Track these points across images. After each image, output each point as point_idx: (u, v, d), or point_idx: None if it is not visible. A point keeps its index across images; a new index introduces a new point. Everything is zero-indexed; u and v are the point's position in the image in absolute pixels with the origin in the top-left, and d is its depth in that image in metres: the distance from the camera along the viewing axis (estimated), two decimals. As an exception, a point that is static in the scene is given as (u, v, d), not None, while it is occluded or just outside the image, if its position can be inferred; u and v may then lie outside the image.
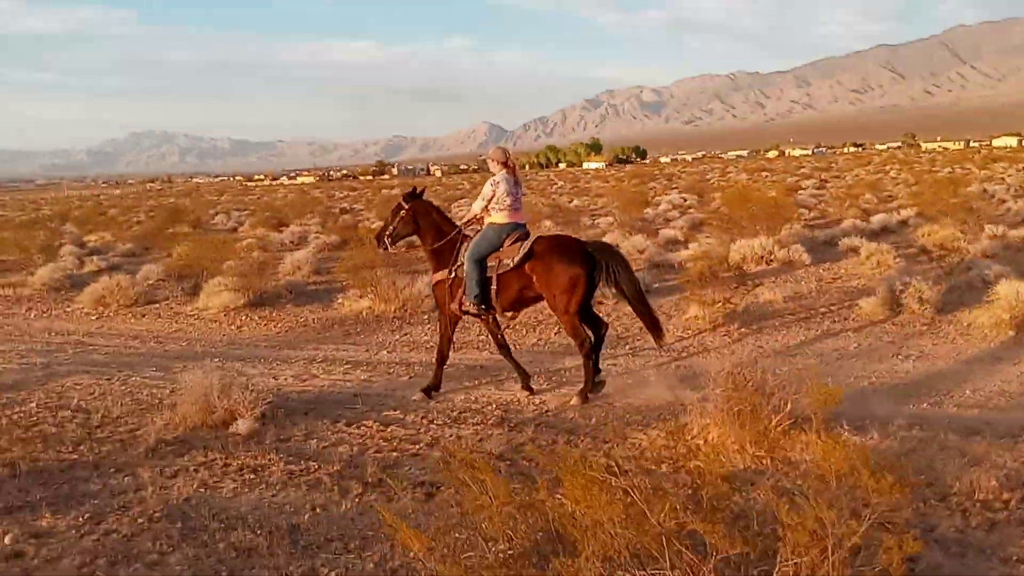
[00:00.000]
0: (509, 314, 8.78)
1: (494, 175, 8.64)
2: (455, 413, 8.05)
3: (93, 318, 14.77)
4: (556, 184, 74.32)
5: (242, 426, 7.45)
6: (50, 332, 13.77)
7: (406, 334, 12.30)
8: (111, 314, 14.98)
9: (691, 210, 31.72)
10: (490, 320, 8.89)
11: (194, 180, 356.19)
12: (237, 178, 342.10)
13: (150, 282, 17.02)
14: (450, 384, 9.09)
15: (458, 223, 9.06)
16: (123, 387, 9.59)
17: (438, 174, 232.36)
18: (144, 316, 14.66)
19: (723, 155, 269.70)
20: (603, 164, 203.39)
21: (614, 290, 8.52)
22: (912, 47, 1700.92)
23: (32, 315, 15.42)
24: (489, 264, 8.39)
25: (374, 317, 13.36)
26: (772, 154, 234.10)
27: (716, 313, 11.61)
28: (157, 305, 15.37)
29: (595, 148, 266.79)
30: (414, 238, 9.54)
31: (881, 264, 15.32)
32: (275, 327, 13.39)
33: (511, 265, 8.30)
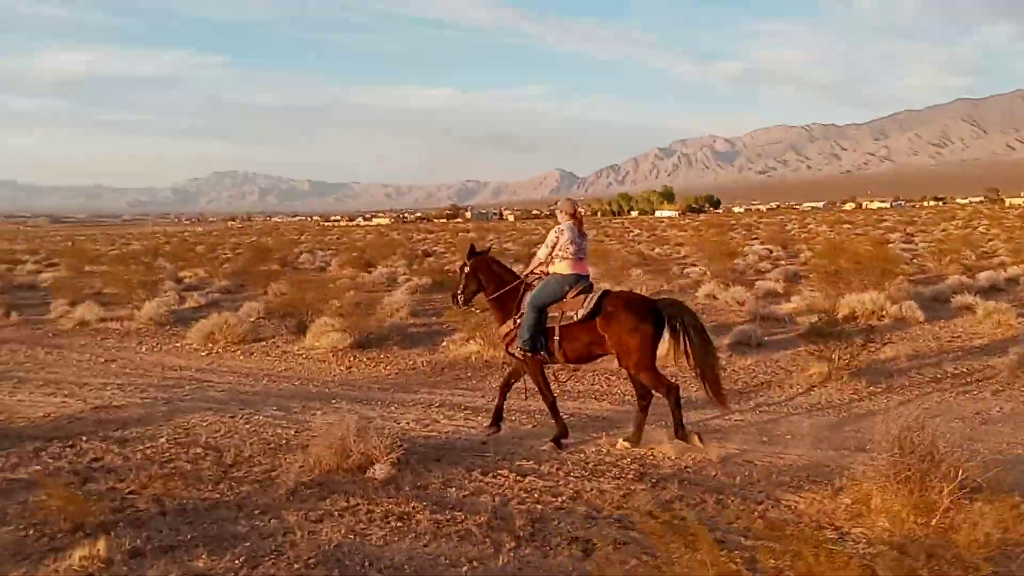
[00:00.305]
0: (573, 366, 8.85)
1: (560, 223, 8.73)
2: (590, 465, 7.85)
3: (203, 354, 14.97)
4: (633, 232, 74.19)
5: (379, 471, 7.36)
6: (162, 367, 13.98)
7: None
8: (219, 351, 15.16)
9: (781, 262, 31.21)
10: (538, 368, 8.75)
11: (273, 219, 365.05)
12: (315, 218, 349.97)
13: (252, 320, 17.26)
14: (576, 434, 8.92)
15: (520, 275, 9.11)
16: (247, 426, 9.62)
17: (511, 219, 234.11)
18: (252, 354, 14.79)
19: (798, 206, 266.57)
20: (676, 213, 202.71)
21: (684, 346, 8.27)
22: (993, 101, 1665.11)
23: (143, 349, 15.70)
24: (552, 314, 8.44)
25: (483, 362, 13.28)
26: (849, 206, 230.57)
27: (840, 370, 11.23)
28: (264, 343, 15.52)
29: (668, 196, 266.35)
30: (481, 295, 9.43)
31: (1002, 324, 14.76)
32: (384, 369, 13.38)
33: (575, 319, 8.31)
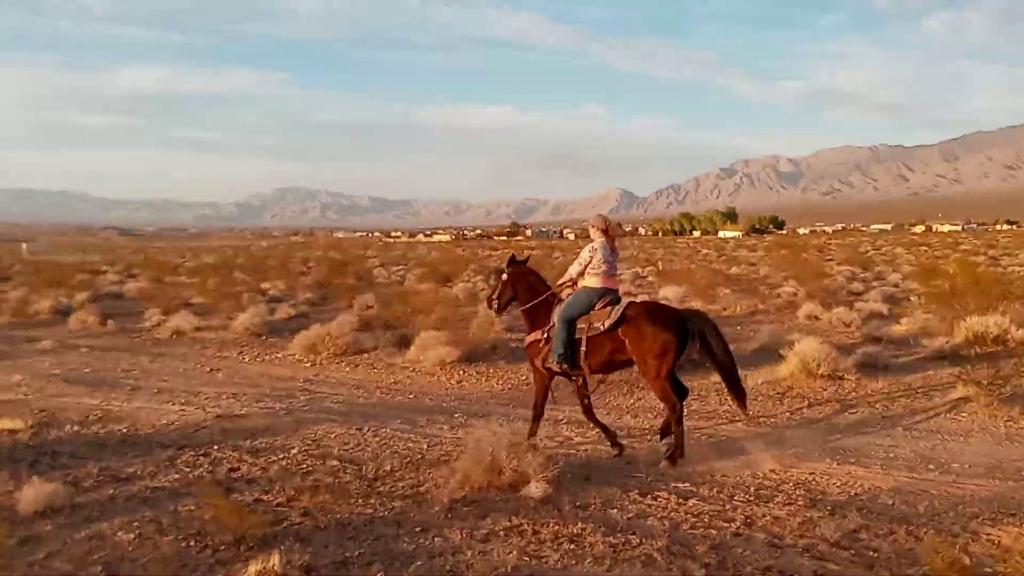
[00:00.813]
0: (598, 376, 8.98)
1: (593, 241, 8.93)
2: (752, 489, 7.42)
3: (307, 365, 14.84)
4: (702, 251, 73.22)
5: (534, 490, 7.03)
6: (269, 377, 13.85)
7: (640, 398, 11.74)
8: (323, 362, 15.02)
9: (873, 283, 30.30)
10: (579, 381, 9.03)
11: (334, 234, 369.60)
12: (376, 234, 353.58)
13: (348, 332, 17.11)
14: (712, 457, 8.50)
15: (554, 287, 9.25)
16: (376, 438, 9.38)
17: (571, 237, 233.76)
18: (358, 366, 14.59)
19: (865, 228, 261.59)
20: (739, 233, 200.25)
21: (706, 357, 8.52)
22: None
23: (245, 359, 15.63)
24: (580, 327, 8.55)
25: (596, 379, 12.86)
26: (919, 229, 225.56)
27: (989, 395, 10.60)
28: (367, 355, 15.33)
29: (730, 217, 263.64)
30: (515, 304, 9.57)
31: None
32: (496, 384, 13.05)
33: (602, 328, 8.44)
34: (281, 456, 8.58)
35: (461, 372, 13.73)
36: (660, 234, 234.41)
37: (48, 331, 19.94)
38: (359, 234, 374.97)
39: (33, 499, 6.79)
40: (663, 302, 9.77)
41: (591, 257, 8.75)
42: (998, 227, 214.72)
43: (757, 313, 21.59)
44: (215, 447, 8.93)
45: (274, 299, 26.30)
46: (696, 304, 22.13)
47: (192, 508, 6.83)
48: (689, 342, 8.28)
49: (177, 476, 7.87)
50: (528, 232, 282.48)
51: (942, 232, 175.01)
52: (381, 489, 7.38)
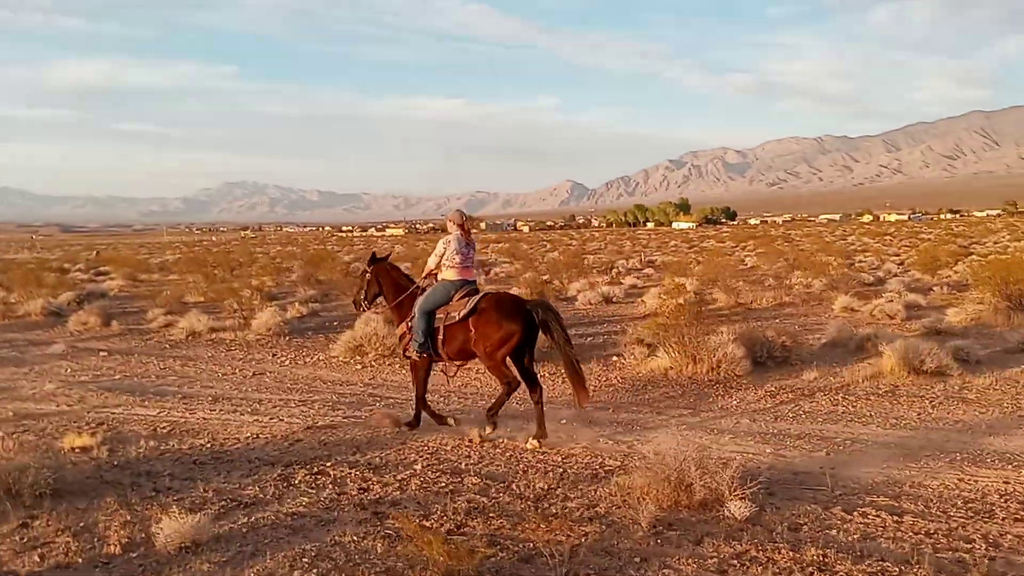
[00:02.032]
0: (457, 363, 9.55)
1: (450, 233, 9.41)
2: (958, 503, 6.75)
3: (356, 367, 13.95)
4: (671, 242, 72.93)
5: (736, 509, 6.29)
6: (324, 382, 12.94)
7: (761, 399, 11.06)
8: (370, 363, 14.14)
9: (890, 275, 29.87)
10: (423, 367, 9.50)
11: (284, 229, 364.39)
12: (327, 228, 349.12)
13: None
14: (889, 464, 7.85)
15: (416, 280, 9.84)
16: (497, 450, 8.56)
17: (525, 229, 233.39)
18: (403, 367, 13.79)
19: (813, 218, 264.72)
20: (693, 224, 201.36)
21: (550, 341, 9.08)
22: (1007, 114, 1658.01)
23: (285, 362, 14.68)
24: (439, 316, 9.06)
25: (687, 379, 12.16)
26: (866, 218, 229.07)
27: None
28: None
29: (683, 208, 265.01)
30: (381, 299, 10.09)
31: None
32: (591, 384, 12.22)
33: (456, 318, 8.95)
34: (408, 473, 7.71)
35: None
36: (614, 225, 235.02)
37: (47, 333, 18.80)
38: (308, 229, 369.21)
39: (176, 533, 5.86)
40: (514, 293, 10.77)
41: (445, 249, 9.24)
42: (942, 216, 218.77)
43: (785, 306, 21.09)
44: (327, 463, 8.02)
45: (273, 297, 25.19)
46: (721, 297, 21.60)
47: (355, 539, 5.98)
48: (536, 328, 8.86)
49: (307, 500, 6.96)
50: (483, 225, 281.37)
51: (889, 222, 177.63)
52: (553, 511, 6.57)
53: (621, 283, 27.13)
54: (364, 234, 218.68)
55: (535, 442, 8.62)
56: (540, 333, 8.98)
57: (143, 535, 6.09)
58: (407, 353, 9.42)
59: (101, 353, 15.73)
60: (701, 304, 18.49)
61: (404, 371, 13.56)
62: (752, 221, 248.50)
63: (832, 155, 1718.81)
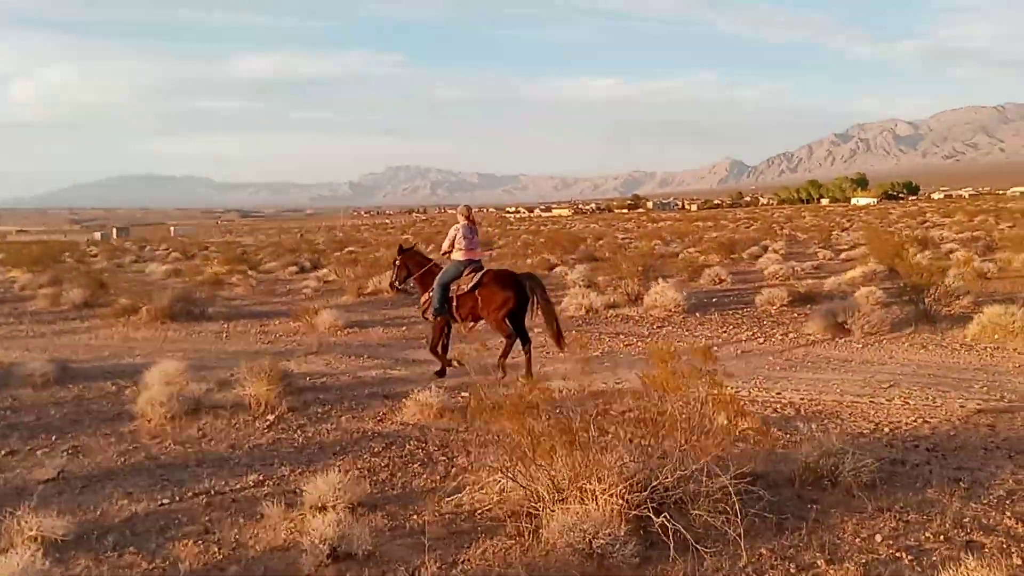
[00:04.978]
0: (471, 325, 11.89)
1: (458, 223, 11.80)
2: None
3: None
4: (896, 224, 68.94)
5: None
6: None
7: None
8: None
9: None
10: (439, 326, 11.74)
11: (448, 211, 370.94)
12: (489, 209, 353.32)
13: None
14: None
15: (434, 260, 12.45)
16: None
17: (694, 208, 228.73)
18: (925, 347, 13.03)
19: (1003, 192, 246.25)
20: (873, 200, 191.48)
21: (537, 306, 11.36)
22: None
23: (859, 348, 14.01)
24: (453, 288, 11.49)
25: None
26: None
27: None
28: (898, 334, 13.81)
29: (861, 183, 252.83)
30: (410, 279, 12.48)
31: None
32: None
33: (466, 289, 11.40)
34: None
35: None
36: (786, 203, 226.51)
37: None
38: (475, 211, 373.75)
39: None
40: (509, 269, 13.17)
41: (455, 235, 11.71)
42: None
43: None
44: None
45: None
46: None
47: None
48: (528, 297, 11.25)
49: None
50: (650, 204, 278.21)
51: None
52: None
53: None
54: (531, 215, 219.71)
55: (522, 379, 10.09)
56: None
57: None
58: (426, 315, 11.96)
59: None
60: None
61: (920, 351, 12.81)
62: (936, 196, 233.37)
63: (1016, 124, 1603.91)
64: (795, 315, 16.65)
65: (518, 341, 11.39)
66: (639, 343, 14.40)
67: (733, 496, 5.56)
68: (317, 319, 17.03)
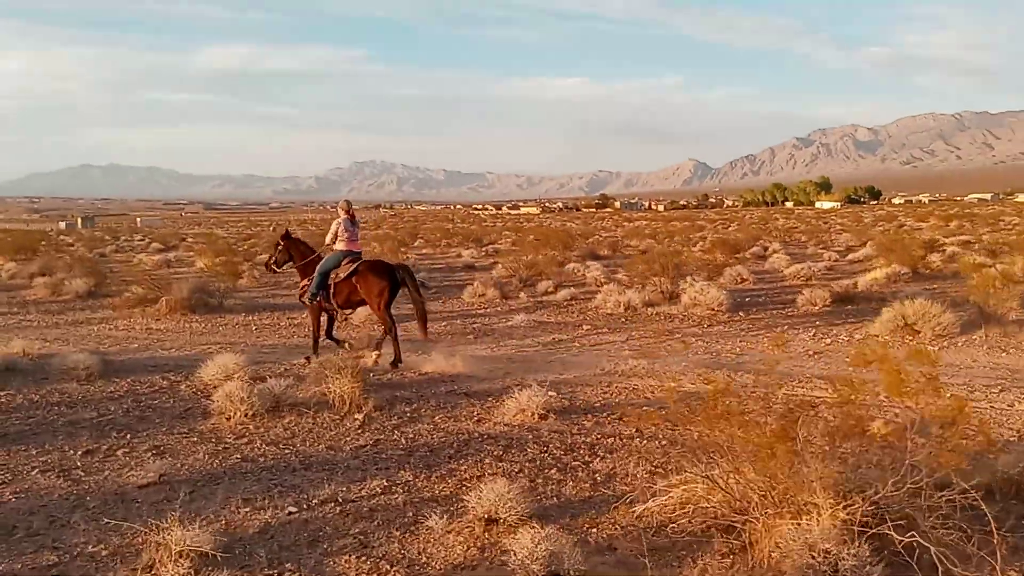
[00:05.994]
0: (348, 311, 13.01)
1: (340, 217, 12.53)
2: None
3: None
4: (878, 224, 69.45)
5: None
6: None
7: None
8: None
9: None
10: (315, 312, 12.46)
11: (415, 207, 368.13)
12: (457, 207, 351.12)
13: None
14: None
15: (317, 250, 13.05)
16: None
17: (661, 208, 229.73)
18: (1004, 350, 12.65)
19: (959, 199, 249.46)
20: (837, 204, 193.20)
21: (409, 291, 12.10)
22: None
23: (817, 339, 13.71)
24: (332, 276, 12.13)
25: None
26: (1022, 198, 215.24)
27: None
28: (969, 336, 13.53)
29: (825, 187, 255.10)
30: (289, 264, 13.17)
31: None
32: None
33: (342, 277, 12.07)
34: None
35: None
36: (751, 205, 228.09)
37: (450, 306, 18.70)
38: (436, 207, 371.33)
39: None
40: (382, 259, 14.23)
41: (337, 228, 12.44)
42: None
43: None
44: None
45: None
46: None
47: None
48: (400, 285, 12.04)
49: None
50: (617, 204, 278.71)
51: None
52: None
53: None
54: (498, 212, 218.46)
55: (390, 366, 11.69)
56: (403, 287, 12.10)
57: None
58: (303, 299, 12.66)
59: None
60: None
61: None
62: (896, 201, 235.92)
63: (971, 132, 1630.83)
64: (842, 315, 16.24)
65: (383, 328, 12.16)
66: (696, 342, 13.90)
67: (958, 512, 5.05)
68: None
